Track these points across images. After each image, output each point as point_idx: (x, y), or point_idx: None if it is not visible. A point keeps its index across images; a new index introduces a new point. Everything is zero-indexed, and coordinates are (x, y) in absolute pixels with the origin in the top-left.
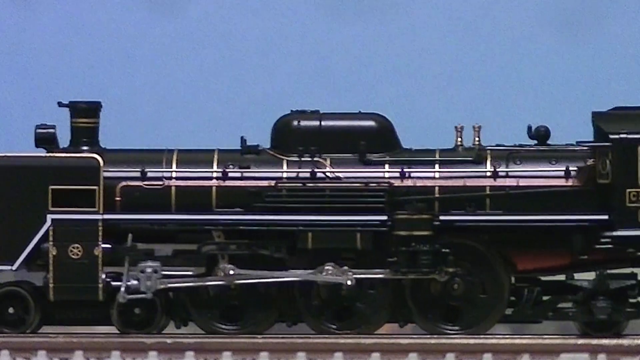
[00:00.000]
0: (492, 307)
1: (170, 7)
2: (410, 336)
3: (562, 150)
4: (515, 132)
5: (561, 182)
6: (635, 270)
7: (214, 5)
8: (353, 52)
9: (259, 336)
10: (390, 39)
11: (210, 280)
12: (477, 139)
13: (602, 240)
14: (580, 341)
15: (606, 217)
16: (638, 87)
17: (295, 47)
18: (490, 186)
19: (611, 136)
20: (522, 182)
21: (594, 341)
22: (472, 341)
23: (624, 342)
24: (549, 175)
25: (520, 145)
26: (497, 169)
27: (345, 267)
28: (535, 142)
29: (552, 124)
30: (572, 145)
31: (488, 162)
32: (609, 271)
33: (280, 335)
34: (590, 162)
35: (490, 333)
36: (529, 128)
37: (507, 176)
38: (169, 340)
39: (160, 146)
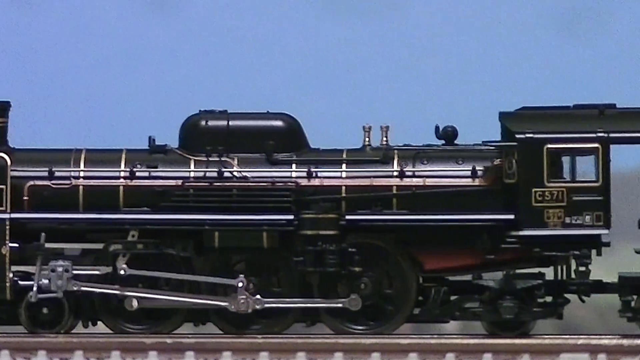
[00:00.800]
0: (399, 306)
1: (168, 8)
2: (410, 336)
3: (469, 150)
4: (424, 132)
5: (468, 181)
6: (542, 270)
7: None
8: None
9: (259, 336)
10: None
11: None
12: (385, 138)
13: (508, 239)
14: (580, 341)
15: (512, 216)
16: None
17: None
18: (396, 186)
19: (517, 136)
20: (429, 182)
21: (594, 341)
22: (472, 341)
23: (624, 342)
24: (455, 175)
25: (428, 145)
26: (404, 169)
27: (256, 297)
28: (443, 142)
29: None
30: (479, 145)
31: (395, 162)
32: (517, 271)
33: (280, 335)
34: (497, 161)
35: (490, 333)
36: (437, 128)
37: (413, 176)
38: (169, 340)
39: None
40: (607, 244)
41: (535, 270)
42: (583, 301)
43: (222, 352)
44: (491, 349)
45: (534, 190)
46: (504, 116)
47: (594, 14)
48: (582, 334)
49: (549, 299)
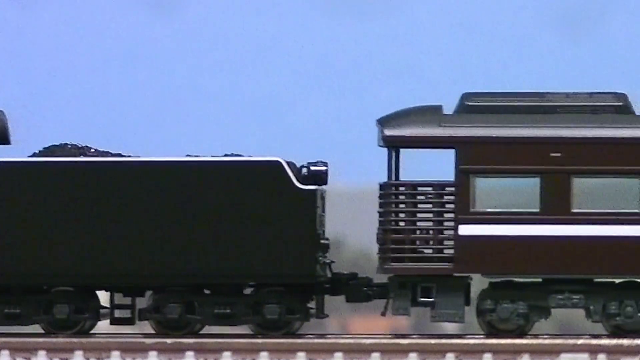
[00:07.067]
0: None
1: (168, 7)
2: (410, 336)
3: None
4: None
5: None
6: None
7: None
8: None
9: (259, 336)
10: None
11: None
12: None
13: None
14: (580, 341)
15: None
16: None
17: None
18: None
19: None
20: None
21: (594, 341)
22: (472, 341)
23: (624, 342)
24: None
25: None
26: None
27: None
28: None
29: None
30: None
31: None
32: None
33: (280, 336)
34: None
35: (490, 333)
36: None
37: None
38: (169, 340)
39: None
40: None
41: None
42: None
43: (222, 352)
44: (491, 349)
45: None
46: None
47: (593, 13)
48: (582, 334)
49: None
